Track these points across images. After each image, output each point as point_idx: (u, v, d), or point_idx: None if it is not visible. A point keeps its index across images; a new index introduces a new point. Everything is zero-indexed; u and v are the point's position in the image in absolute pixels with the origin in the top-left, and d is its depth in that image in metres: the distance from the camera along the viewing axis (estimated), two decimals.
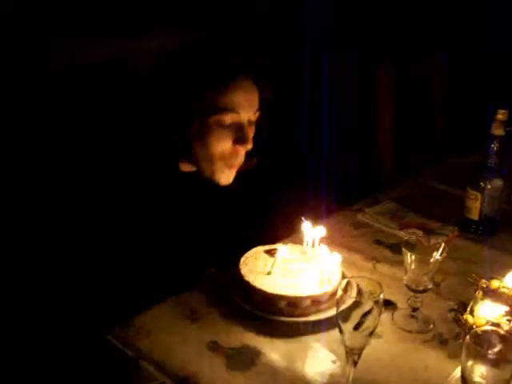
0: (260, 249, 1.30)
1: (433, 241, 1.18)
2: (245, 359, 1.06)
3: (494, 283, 1.17)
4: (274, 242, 1.34)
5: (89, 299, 1.25)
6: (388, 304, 1.20)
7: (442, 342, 1.12)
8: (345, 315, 0.93)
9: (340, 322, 0.94)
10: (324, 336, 1.13)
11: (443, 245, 1.15)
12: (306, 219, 1.28)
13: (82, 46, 1.74)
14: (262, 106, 1.32)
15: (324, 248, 1.24)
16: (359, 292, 0.98)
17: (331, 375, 1.04)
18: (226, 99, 1.25)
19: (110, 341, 1.09)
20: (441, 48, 2.30)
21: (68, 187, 1.48)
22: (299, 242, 1.30)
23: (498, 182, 1.47)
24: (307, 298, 1.14)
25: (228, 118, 1.25)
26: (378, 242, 1.48)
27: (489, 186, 1.47)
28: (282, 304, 1.14)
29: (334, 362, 1.06)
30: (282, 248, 1.26)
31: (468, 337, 0.90)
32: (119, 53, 1.83)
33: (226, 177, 1.32)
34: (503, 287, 1.16)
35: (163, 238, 1.30)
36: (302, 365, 1.06)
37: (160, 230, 1.30)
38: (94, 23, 1.78)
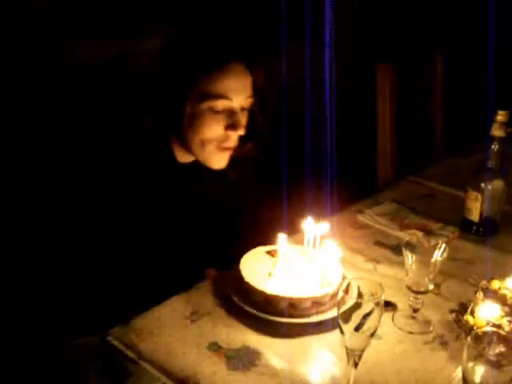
0: (260, 249, 1.30)
1: (433, 242, 1.17)
2: (245, 360, 1.06)
3: (495, 284, 1.17)
4: (274, 243, 1.33)
5: (89, 300, 1.25)
6: (388, 305, 1.19)
7: (442, 343, 1.12)
8: (345, 316, 0.93)
9: (341, 323, 0.94)
10: (325, 337, 1.13)
11: (444, 246, 1.15)
12: (307, 218, 1.28)
13: (82, 46, 1.74)
14: (256, 93, 1.31)
15: (326, 245, 1.23)
16: (360, 293, 0.98)
17: (332, 376, 1.04)
18: (218, 85, 1.24)
19: (111, 342, 1.08)
20: (441, 48, 2.30)
21: (68, 186, 1.47)
22: (300, 242, 1.30)
23: (499, 183, 1.47)
24: (308, 299, 1.14)
25: (220, 104, 1.25)
26: (379, 243, 1.48)
27: (489, 187, 1.47)
28: (283, 305, 1.13)
29: (334, 363, 1.06)
30: (282, 248, 1.26)
31: (469, 338, 0.90)
32: (119, 53, 1.83)
33: (218, 160, 1.32)
34: (504, 288, 1.16)
35: (164, 239, 1.30)
36: (302, 366, 1.06)
37: (160, 231, 1.30)
38: (93, 23, 1.78)
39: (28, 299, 1.40)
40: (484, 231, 1.51)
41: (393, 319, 1.18)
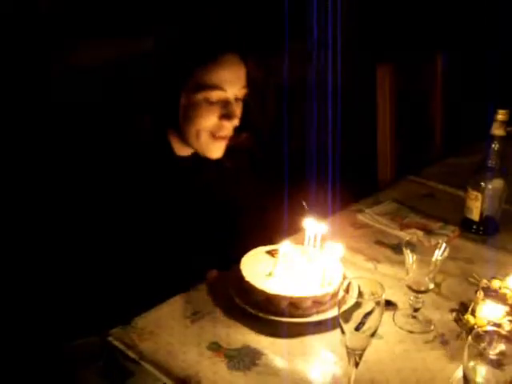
0: (261, 249, 1.30)
1: (434, 241, 1.17)
2: (246, 360, 1.06)
3: (495, 283, 1.17)
4: (274, 243, 1.33)
5: (90, 300, 1.25)
6: (389, 304, 1.19)
7: (443, 342, 1.12)
8: (346, 316, 0.93)
9: (341, 322, 0.94)
10: (325, 337, 1.13)
11: (444, 245, 1.15)
12: (307, 218, 1.28)
13: (82, 46, 1.74)
14: (250, 83, 1.32)
15: (326, 243, 1.23)
16: (360, 293, 0.98)
17: (332, 376, 1.04)
18: (213, 76, 1.26)
19: (111, 342, 1.08)
20: (441, 48, 2.30)
21: (68, 186, 1.47)
22: (300, 241, 1.30)
23: (499, 182, 1.47)
24: (308, 298, 1.14)
25: (215, 95, 1.27)
26: (379, 243, 1.48)
27: (489, 187, 1.47)
28: (284, 304, 1.14)
29: (335, 362, 1.06)
30: (282, 248, 1.26)
31: (469, 337, 0.90)
32: (119, 53, 1.83)
33: (215, 150, 1.33)
34: (504, 287, 1.16)
35: (164, 237, 1.30)
36: (303, 365, 1.06)
37: (161, 229, 1.30)
38: (93, 23, 1.78)
39: (29, 300, 1.41)
40: (484, 230, 1.51)
41: (393, 318, 1.18)
